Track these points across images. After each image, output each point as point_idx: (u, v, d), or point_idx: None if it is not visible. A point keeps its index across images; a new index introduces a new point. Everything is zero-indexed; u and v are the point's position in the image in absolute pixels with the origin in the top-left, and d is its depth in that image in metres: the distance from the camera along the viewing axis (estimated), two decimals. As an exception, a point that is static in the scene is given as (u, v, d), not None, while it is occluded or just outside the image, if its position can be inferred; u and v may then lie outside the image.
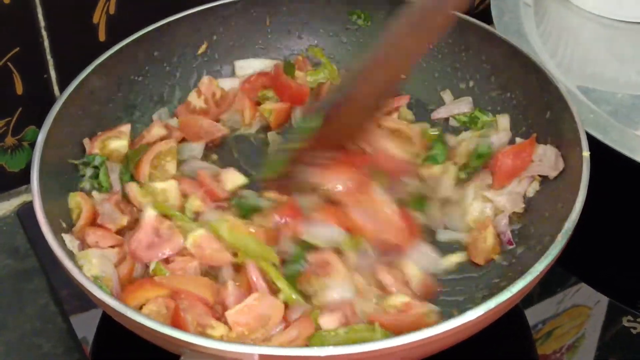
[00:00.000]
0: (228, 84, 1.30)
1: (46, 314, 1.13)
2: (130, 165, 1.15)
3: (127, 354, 1.05)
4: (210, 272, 1.04)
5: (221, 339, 0.94)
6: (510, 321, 1.05)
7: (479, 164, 1.17)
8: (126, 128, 1.18)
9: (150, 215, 1.05)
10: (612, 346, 1.10)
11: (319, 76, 1.29)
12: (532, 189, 1.14)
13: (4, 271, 1.19)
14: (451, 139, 1.22)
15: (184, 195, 1.12)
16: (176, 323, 0.93)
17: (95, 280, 0.97)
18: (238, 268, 1.03)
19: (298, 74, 1.29)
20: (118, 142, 1.17)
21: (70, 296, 1.13)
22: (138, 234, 1.04)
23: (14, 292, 1.16)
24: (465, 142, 1.20)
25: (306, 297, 1.01)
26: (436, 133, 1.22)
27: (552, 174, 1.12)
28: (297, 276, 1.02)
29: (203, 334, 0.94)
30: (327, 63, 1.31)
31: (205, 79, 1.27)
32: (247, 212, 1.08)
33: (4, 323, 1.12)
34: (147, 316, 0.89)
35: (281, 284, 1.00)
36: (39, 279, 1.17)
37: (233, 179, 1.15)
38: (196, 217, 1.09)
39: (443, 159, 1.19)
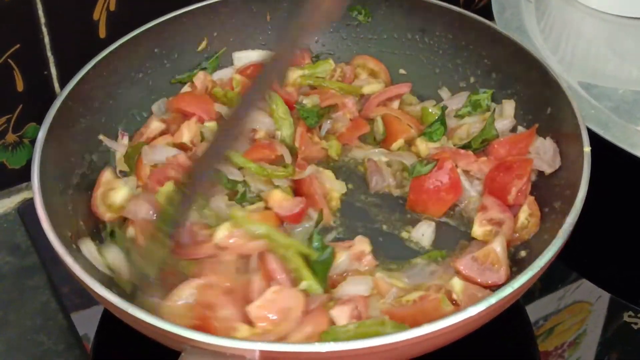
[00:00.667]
0: (225, 73, 1.30)
1: (47, 310, 1.13)
2: (130, 163, 1.15)
3: (128, 351, 1.06)
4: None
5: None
6: (512, 317, 1.05)
7: (481, 147, 1.17)
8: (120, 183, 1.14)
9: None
10: (614, 342, 1.10)
11: (317, 70, 1.29)
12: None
13: (4, 268, 1.19)
14: (452, 121, 1.22)
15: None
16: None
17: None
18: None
19: (292, 72, 1.28)
20: (119, 194, 1.12)
21: (71, 293, 1.13)
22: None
23: (14, 289, 1.16)
24: (467, 125, 1.21)
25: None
26: (437, 113, 1.22)
27: (548, 170, 1.11)
28: (328, 265, 1.01)
29: (228, 336, 0.92)
30: (316, 64, 1.30)
31: (200, 74, 1.27)
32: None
33: (5, 320, 1.12)
34: (147, 312, 0.88)
35: (305, 272, 0.99)
36: (40, 276, 1.17)
37: (186, 130, 1.16)
38: None
39: (439, 137, 1.19)
